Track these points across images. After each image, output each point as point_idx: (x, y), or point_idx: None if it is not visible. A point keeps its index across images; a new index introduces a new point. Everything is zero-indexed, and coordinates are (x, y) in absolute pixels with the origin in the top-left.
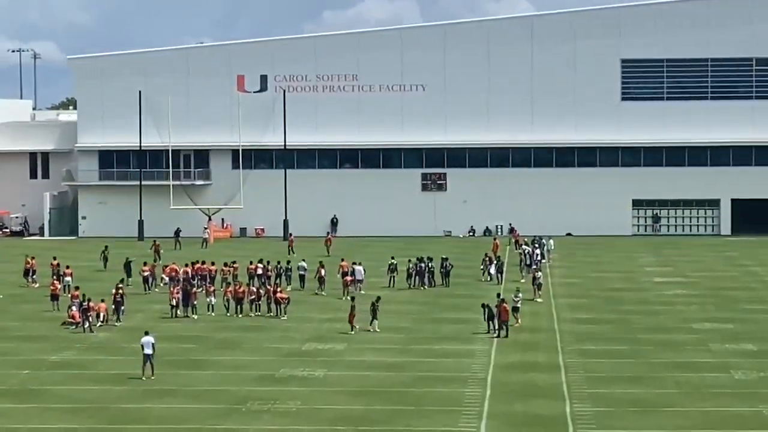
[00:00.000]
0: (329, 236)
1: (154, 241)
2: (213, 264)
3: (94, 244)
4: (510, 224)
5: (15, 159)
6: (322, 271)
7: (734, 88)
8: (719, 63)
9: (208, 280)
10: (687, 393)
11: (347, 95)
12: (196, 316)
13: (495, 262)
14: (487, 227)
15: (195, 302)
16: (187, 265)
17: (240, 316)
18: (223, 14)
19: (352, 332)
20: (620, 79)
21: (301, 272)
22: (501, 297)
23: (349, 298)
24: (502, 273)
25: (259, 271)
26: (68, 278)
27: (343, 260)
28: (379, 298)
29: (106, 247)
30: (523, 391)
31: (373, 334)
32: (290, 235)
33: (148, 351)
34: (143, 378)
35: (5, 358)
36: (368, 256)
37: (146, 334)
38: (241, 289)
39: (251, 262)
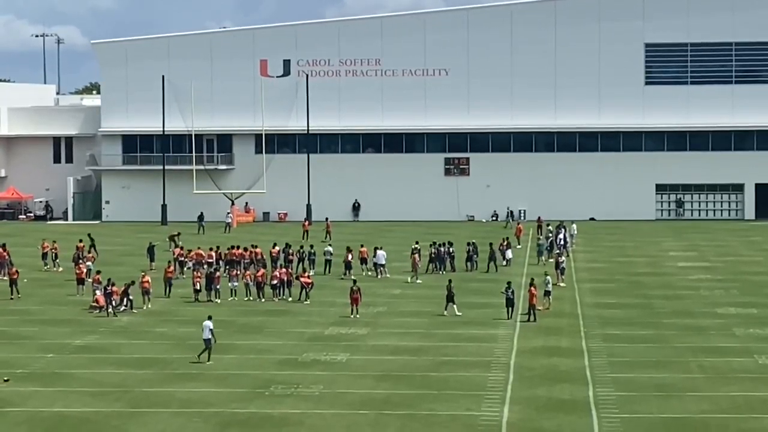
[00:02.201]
0: (327, 222)
1: (172, 236)
2: (238, 248)
3: (117, 228)
4: (508, 208)
5: (39, 143)
6: (349, 256)
7: (759, 72)
8: (744, 47)
9: (239, 264)
10: (711, 378)
11: (370, 80)
12: (219, 300)
13: (510, 247)
14: (510, 212)
15: (218, 286)
16: (211, 249)
17: (262, 300)
18: None
19: (353, 316)
20: (644, 63)
21: (328, 257)
22: (532, 280)
23: (351, 280)
24: (493, 260)
25: (275, 255)
26: (89, 263)
27: (362, 246)
28: (450, 281)
29: (89, 234)
30: (546, 375)
31: (394, 319)
32: (305, 220)
33: (206, 336)
34: (199, 360)
35: (30, 342)
36: (391, 240)
37: (209, 318)
38: (260, 273)
39: (274, 245)
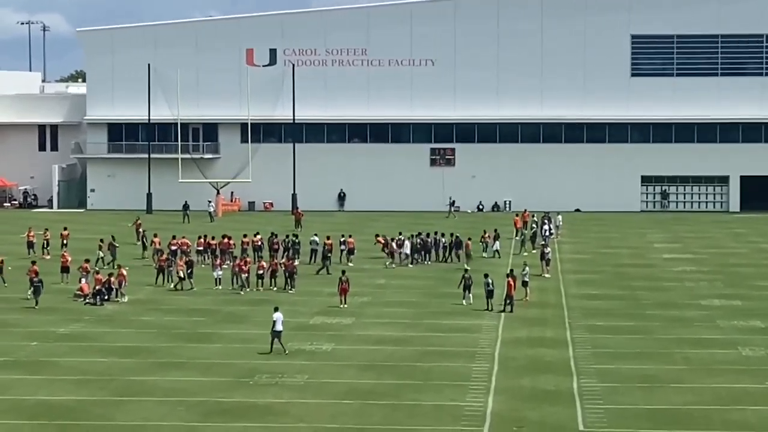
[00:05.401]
0: (298, 210)
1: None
2: (224, 237)
3: (102, 216)
4: (450, 197)
5: (24, 131)
6: (330, 244)
7: (744, 65)
8: (730, 39)
9: (224, 254)
10: (695, 369)
11: (356, 69)
12: (216, 287)
13: (498, 238)
14: (452, 201)
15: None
16: (200, 238)
17: (247, 289)
18: None
19: (342, 306)
20: (630, 55)
21: (313, 247)
22: (510, 270)
23: (341, 271)
24: (459, 250)
25: (259, 244)
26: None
27: (350, 236)
28: (467, 270)
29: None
30: (530, 366)
31: (379, 309)
32: (297, 208)
33: (279, 327)
34: (270, 353)
35: (14, 330)
36: (377, 230)
37: (276, 310)
38: (245, 262)
39: (255, 235)
